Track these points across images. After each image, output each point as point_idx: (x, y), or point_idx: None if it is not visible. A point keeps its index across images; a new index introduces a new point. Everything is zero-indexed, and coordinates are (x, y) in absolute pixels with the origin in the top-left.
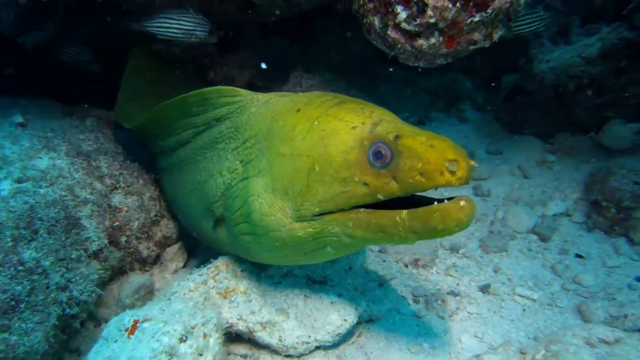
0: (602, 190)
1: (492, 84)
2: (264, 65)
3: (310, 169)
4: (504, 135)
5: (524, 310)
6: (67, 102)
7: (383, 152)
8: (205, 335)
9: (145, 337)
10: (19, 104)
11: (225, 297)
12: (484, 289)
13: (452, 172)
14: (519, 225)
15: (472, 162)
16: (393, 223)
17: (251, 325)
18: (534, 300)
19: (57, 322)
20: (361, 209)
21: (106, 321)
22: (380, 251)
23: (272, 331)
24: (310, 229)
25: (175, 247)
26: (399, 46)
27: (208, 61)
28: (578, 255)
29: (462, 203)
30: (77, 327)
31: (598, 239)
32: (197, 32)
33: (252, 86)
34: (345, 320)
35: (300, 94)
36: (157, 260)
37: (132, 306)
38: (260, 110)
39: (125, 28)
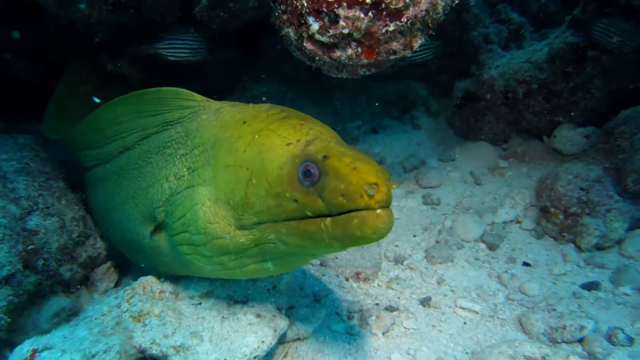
0: (550, 196)
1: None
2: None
3: (249, 181)
4: (457, 141)
5: (464, 323)
6: (10, 119)
7: (312, 171)
8: None
9: None
10: None
11: (138, 321)
12: (425, 302)
13: (371, 196)
14: (467, 234)
15: (394, 185)
16: (318, 230)
17: (164, 349)
18: (476, 313)
19: None
20: None
21: None
22: (321, 265)
23: (185, 355)
24: (251, 236)
25: (104, 267)
26: (317, 58)
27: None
28: (525, 264)
29: (378, 211)
30: None
31: (547, 246)
32: (201, 50)
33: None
34: (263, 342)
35: (251, 105)
36: (84, 281)
37: (51, 330)
38: (210, 118)
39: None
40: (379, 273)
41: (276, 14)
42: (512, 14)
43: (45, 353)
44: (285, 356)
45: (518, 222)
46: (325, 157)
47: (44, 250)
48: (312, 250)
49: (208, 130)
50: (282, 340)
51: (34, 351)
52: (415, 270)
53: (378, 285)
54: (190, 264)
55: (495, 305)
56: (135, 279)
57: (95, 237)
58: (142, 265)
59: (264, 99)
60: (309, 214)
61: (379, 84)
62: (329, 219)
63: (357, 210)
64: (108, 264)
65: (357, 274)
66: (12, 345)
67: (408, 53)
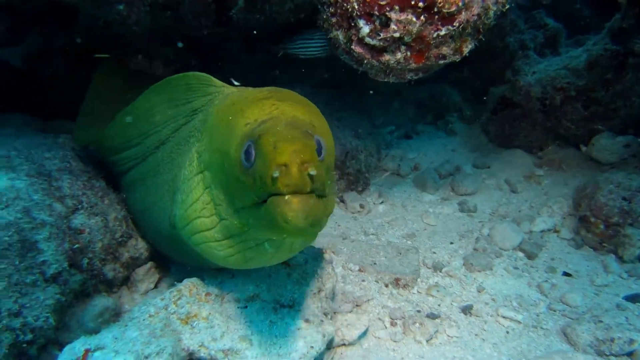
0: (590, 205)
1: (484, 98)
2: (235, 83)
3: (225, 164)
4: (491, 148)
5: (507, 332)
6: (47, 117)
7: (250, 151)
8: None
9: None
10: None
11: (186, 323)
12: (466, 310)
13: (274, 179)
14: (505, 242)
15: (311, 169)
16: (259, 216)
17: (213, 352)
18: (518, 322)
19: (7, 350)
20: None
21: None
22: (359, 270)
23: (234, 359)
24: (242, 219)
25: (145, 268)
26: (365, 61)
27: None
28: (566, 274)
29: (287, 197)
30: (33, 353)
31: (586, 256)
32: (326, 48)
33: None
34: (312, 347)
35: (251, 88)
36: (126, 281)
37: (96, 330)
38: (219, 102)
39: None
40: (418, 280)
41: (324, 17)
42: (548, 19)
43: (97, 353)
44: None
45: (556, 231)
46: (259, 135)
47: (89, 249)
48: (274, 236)
49: (212, 115)
50: (328, 345)
51: (87, 351)
52: (454, 278)
53: (418, 292)
54: (206, 251)
55: (538, 315)
56: (175, 280)
57: (137, 237)
58: (188, 263)
59: None
60: (256, 199)
61: (413, 88)
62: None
63: (274, 194)
64: (149, 264)
65: (397, 280)
66: (58, 344)
67: (458, 58)
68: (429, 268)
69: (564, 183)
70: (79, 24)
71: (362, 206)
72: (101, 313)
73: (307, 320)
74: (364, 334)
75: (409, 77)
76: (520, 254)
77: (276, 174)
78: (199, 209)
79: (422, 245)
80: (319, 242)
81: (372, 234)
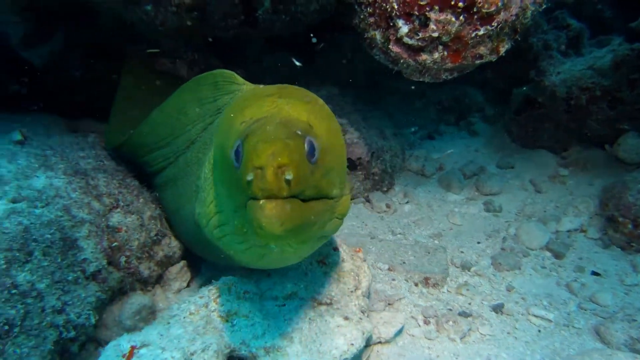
0: (617, 205)
1: (507, 98)
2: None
3: (223, 162)
4: (515, 148)
5: (539, 331)
6: (72, 117)
7: (239, 151)
8: None
9: None
10: (23, 121)
11: (227, 321)
12: (497, 308)
13: (249, 182)
14: (532, 241)
15: (288, 173)
16: (245, 217)
17: (254, 350)
18: (550, 321)
19: (53, 347)
20: None
21: (106, 343)
22: (389, 269)
23: (275, 356)
24: (241, 218)
25: (178, 266)
26: (402, 61)
27: None
28: (594, 273)
29: (261, 202)
30: (75, 350)
31: (615, 255)
32: None
33: None
34: (352, 344)
35: (262, 86)
36: (159, 279)
37: (133, 327)
38: (233, 99)
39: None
40: (448, 279)
41: (361, 17)
42: (571, 20)
43: (143, 350)
44: (367, 359)
45: (583, 231)
46: (246, 135)
47: (126, 247)
48: (258, 241)
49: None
50: (367, 343)
51: (133, 348)
52: (483, 277)
53: (448, 291)
54: (228, 249)
55: (569, 314)
56: (206, 279)
57: (170, 236)
58: (218, 263)
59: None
60: (244, 199)
61: (435, 89)
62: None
63: (252, 198)
64: (181, 263)
65: (426, 279)
66: (96, 342)
67: (494, 58)
68: (457, 267)
69: (588, 183)
70: (102, 25)
71: (388, 206)
72: (138, 311)
73: (346, 318)
74: (400, 331)
75: (444, 77)
76: (548, 254)
77: (250, 177)
78: (214, 209)
79: (449, 244)
80: (348, 241)
81: (400, 234)
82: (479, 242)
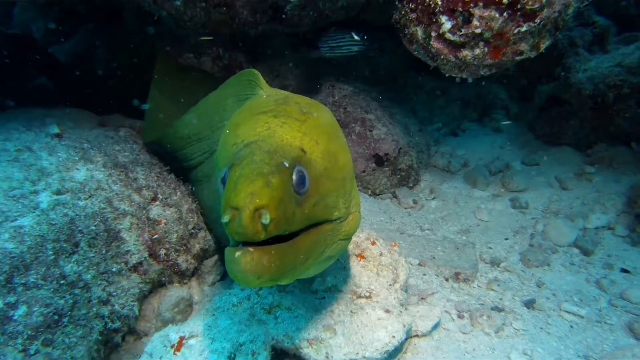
0: None
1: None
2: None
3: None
4: (539, 145)
5: (571, 327)
6: (98, 112)
7: (225, 179)
8: (253, 353)
9: (192, 355)
10: (52, 115)
11: (269, 313)
12: (529, 304)
13: (226, 224)
14: (560, 238)
15: (265, 217)
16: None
17: (297, 342)
18: (582, 317)
19: (99, 337)
20: None
21: (146, 335)
22: (419, 264)
23: (319, 348)
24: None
25: (212, 260)
26: (442, 57)
27: (237, 71)
28: (624, 270)
29: (236, 255)
30: (118, 341)
31: None
32: (354, 48)
33: None
34: (394, 337)
35: (274, 94)
36: (195, 272)
37: (172, 320)
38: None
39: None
40: (477, 274)
41: (402, 13)
42: (597, 17)
43: (192, 341)
44: (404, 352)
45: (610, 228)
46: (232, 165)
47: (166, 240)
48: None
49: None
50: (406, 335)
51: (182, 338)
52: (513, 273)
53: (478, 286)
54: None
55: (600, 310)
56: None
57: (206, 229)
58: None
59: (353, 97)
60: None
61: (458, 86)
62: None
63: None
64: (216, 256)
65: (457, 274)
66: (135, 333)
67: (534, 54)
68: (486, 263)
69: (615, 180)
70: (125, 21)
71: (415, 202)
72: (177, 303)
73: (387, 311)
74: (437, 325)
75: (482, 73)
76: (576, 251)
77: (226, 219)
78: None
79: (477, 240)
80: (382, 236)
81: (428, 229)
82: (506, 239)
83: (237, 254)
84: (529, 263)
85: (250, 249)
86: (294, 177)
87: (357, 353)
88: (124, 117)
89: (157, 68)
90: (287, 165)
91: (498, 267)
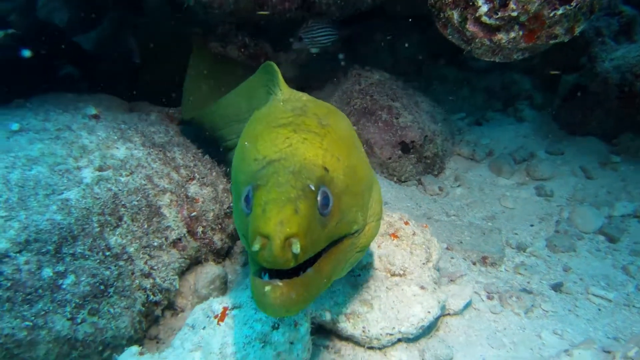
0: None
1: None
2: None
3: (237, 196)
4: (563, 135)
5: (599, 310)
6: (126, 99)
7: (249, 200)
8: (296, 324)
9: (236, 324)
10: (83, 100)
11: None
12: (557, 287)
13: (255, 252)
14: (586, 225)
15: (295, 247)
16: (252, 289)
17: (335, 316)
18: (610, 301)
19: (142, 308)
20: None
21: (182, 311)
22: (447, 248)
23: (356, 322)
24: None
25: None
26: (476, 40)
27: (263, 59)
28: None
29: (266, 288)
30: (158, 314)
31: None
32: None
33: (306, 87)
34: (429, 312)
35: (291, 100)
36: (228, 252)
37: (208, 296)
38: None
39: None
40: (504, 259)
41: None
42: (624, 6)
43: (236, 311)
44: (437, 330)
45: (637, 216)
46: (257, 186)
47: (203, 218)
48: None
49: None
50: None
51: (225, 309)
52: (539, 258)
53: (505, 270)
54: None
55: (628, 295)
56: None
57: None
58: None
59: (378, 86)
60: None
61: (482, 76)
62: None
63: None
64: None
65: (484, 258)
66: (173, 310)
67: (568, 38)
68: (513, 248)
69: None
70: (149, 10)
71: (440, 189)
72: (213, 280)
73: (422, 287)
74: (468, 304)
75: (514, 57)
76: (602, 238)
77: (256, 248)
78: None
79: (503, 226)
80: None
81: (454, 215)
82: (532, 225)
83: (267, 288)
84: (555, 249)
85: (280, 283)
86: (318, 198)
87: (394, 327)
88: (151, 105)
89: (193, 53)
90: (313, 188)
91: (524, 252)
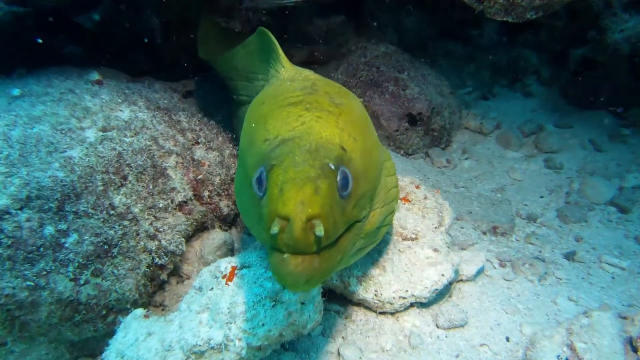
0: None
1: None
2: None
3: (246, 181)
4: (571, 109)
5: (613, 278)
6: (131, 74)
7: (262, 181)
8: None
9: (246, 283)
10: (87, 71)
11: None
12: (569, 256)
13: (273, 235)
14: (597, 196)
15: (319, 229)
16: (271, 262)
17: (346, 279)
18: (623, 269)
19: (147, 270)
20: None
21: (188, 278)
22: (457, 218)
23: (367, 285)
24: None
25: None
26: None
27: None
28: None
29: (285, 256)
30: (164, 279)
31: None
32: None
33: (310, 63)
34: (443, 275)
35: (300, 79)
36: (234, 220)
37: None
38: (263, 90)
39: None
40: (515, 229)
41: None
42: None
43: (245, 270)
44: (450, 296)
45: None
46: (272, 166)
47: (209, 182)
48: None
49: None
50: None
51: (234, 268)
52: (550, 228)
53: (517, 239)
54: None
55: None
56: None
57: None
58: None
59: (385, 59)
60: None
61: (488, 52)
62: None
63: (273, 247)
64: None
65: (494, 227)
66: (178, 276)
67: None
68: (523, 219)
69: None
70: None
71: (448, 161)
72: (220, 246)
73: (435, 250)
74: (481, 270)
75: (528, 16)
76: (613, 209)
77: (275, 231)
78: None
79: (513, 198)
80: None
81: (462, 187)
82: (542, 197)
83: (287, 256)
84: (566, 219)
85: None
86: (337, 179)
87: (407, 291)
88: (154, 80)
89: (202, 21)
90: (332, 167)
91: (535, 222)
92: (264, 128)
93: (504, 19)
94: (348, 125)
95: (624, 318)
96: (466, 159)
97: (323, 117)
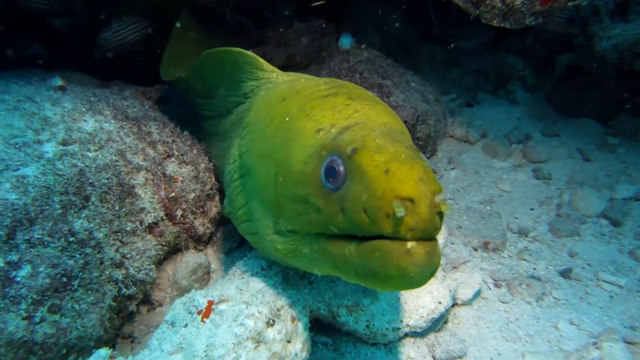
0: None
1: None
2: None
3: (276, 176)
4: (557, 117)
5: (611, 297)
6: (101, 78)
7: (336, 170)
8: (293, 319)
9: (224, 321)
10: (51, 75)
11: (304, 277)
12: (565, 273)
13: (399, 219)
14: (588, 208)
15: (444, 207)
16: (342, 256)
17: (335, 308)
18: (621, 287)
19: (113, 303)
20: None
21: (160, 305)
22: (448, 234)
23: (359, 315)
24: (288, 245)
25: (229, 226)
26: (487, 2)
27: (243, 36)
28: None
29: (410, 244)
30: (133, 310)
31: None
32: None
33: (290, 66)
34: (440, 302)
35: (306, 78)
36: (210, 239)
37: (189, 288)
38: (264, 93)
39: None
40: (507, 244)
41: None
42: None
43: (223, 305)
44: (446, 322)
45: (639, 199)
46: (354, 150)
47: (183, 199)
48: (361, 283)
49: (255, 108)
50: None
51: (210, 302)
52: (543, 243)
53: (509, 255)
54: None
55: (639, 280)
56: None
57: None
58: None
59: (368, 64)
60: (334, 230)
61: (472, 57)
62: (354, 243)
63: (383, 237)
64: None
65: (486, 243)
66: (149, 304)
67: (585, 2)
68: (514, 233)
69: None
70: None
71: (434, 171)
72: (195, 270)
73: None
74: (477, 293)
75: (527, 22)
76: (605, 221)
77: (401, 213)
78: (246, 215)
79: (502, 210)
80: None
81: (450, 199)
82: (532, 209)
83: (411, 244)
84: (558, 233)
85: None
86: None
87: (401, 321)
88: (125, 84)
89: (181, 19)
90: (415, 148)
91: (527, 236)
92: (309, 119)
93: (501, 25)
94: (395, 116)
95: (630, 343)
96: (452, 168)
97: (373, 107)
